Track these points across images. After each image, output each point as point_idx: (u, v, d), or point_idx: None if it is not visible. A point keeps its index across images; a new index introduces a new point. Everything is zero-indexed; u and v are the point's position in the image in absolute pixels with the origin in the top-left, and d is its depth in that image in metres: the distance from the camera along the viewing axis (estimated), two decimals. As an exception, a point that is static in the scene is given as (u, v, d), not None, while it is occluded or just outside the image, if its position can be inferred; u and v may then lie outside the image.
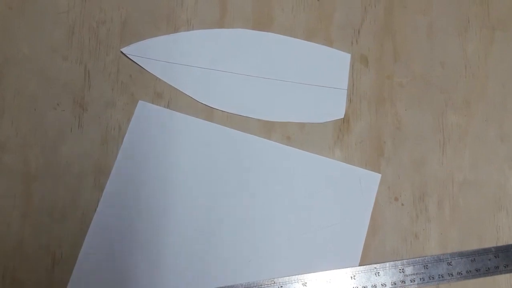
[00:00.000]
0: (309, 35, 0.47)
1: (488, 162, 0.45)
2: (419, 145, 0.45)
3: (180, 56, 0.45)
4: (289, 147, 0.44)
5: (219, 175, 0.44)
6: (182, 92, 0.45)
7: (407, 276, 0.42)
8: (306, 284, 0.41)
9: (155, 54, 0.44)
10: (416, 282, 0.42)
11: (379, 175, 0.44)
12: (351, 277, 0.42)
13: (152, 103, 0.45)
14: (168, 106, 0.45)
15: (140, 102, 0.45)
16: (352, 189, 0.44)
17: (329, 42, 0.47)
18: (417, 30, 0.48)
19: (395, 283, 0.42)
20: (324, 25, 0.47)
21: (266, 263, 0.42)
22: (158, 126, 0.44)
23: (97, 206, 0.43)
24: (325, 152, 0.45)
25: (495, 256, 0.43)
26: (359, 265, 0.42)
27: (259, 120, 0.45)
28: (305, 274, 0.42)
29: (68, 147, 0.44)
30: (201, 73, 0.45)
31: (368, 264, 0.42)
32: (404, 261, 0.42)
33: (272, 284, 0.41)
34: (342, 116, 0.45)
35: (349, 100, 0.46)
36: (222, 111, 0.43)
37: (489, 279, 0.43)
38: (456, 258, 0.43)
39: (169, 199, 0.43)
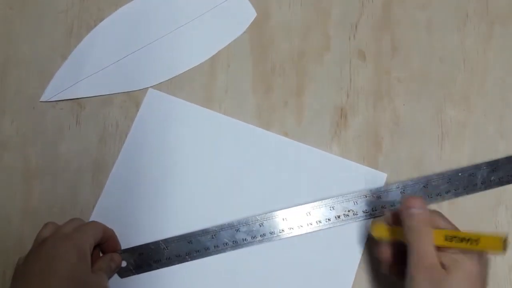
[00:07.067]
0: (307, 31, 0.47)
1: (487, 157, 0.44)
2: (417, 140, 0.45)
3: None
4: (300, 144, 0.44)
5: (224, 165, 0.44)
6: (179, 90, 0.46)
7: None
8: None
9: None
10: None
11: (385, 175, 0.44)
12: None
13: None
14: (165, 103, 0.45)
15: (150, 90, 0.45)
16: (356, 188, 0.43)
17: (326, 38, 0.47)
18: (415, 24, 0.47)
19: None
20: (322, 21, 0.47)
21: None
22: (166, 114, 0.44)
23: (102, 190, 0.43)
24: (323, 147, 0.44)
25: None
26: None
27: (256, 116, 0.45)
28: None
29: (67, 145, 0.44)
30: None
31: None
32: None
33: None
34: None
35: (347, 95, 0.46)
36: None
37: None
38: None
39: (173, 185, 0.43)
